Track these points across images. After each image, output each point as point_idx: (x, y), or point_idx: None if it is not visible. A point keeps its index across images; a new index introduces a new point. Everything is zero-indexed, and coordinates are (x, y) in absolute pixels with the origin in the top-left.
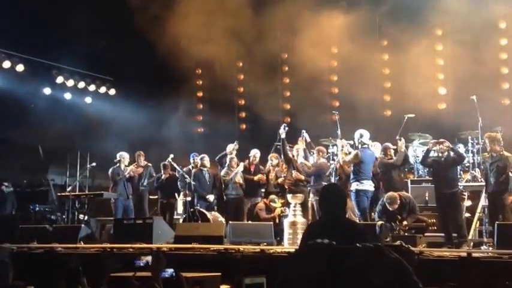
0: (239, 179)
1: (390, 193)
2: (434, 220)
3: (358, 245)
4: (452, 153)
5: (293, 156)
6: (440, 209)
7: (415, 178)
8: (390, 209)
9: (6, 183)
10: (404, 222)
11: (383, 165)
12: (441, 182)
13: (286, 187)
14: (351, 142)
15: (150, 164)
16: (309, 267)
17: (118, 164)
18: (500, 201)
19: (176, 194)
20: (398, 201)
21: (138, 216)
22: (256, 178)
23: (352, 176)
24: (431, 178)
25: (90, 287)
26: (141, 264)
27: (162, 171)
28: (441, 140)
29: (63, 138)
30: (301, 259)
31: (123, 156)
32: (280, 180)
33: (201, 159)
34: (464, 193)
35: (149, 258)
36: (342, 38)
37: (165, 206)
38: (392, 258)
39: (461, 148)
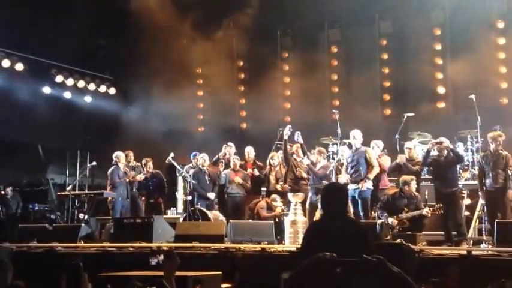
0: (238, 179)
1: (405, 176)
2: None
3: (363, 256)
4: (451, 154)
5: (292, 154)
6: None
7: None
8: (406, 189)
9: (10, 187)
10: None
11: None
12: (441, 181)
13: (288, 186)
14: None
15: (139, 164)
16: (315, 281)
17: (116, 165)
18: (500, 199)
19: (174, 193)
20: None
21: (138, 215)
22: (248, 172)
23: (354, 176)
24: (430, 177)
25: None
26: (153, 263)
27: (144, 170)
28: (440, 139)
29: (62, 138)
30: (307, 272)
31: (118, 155)
32: (278, 186)
33: (202, 157)
34: (464, 191)
35: (161, 257)
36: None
37: (151, 206)
38: (395, 272)
39: (460, 147)
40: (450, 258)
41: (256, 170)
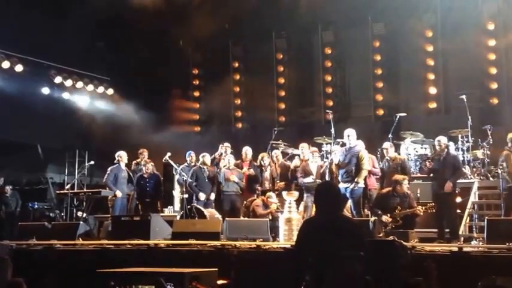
0: (234, 178)
1: (397, 175)
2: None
3: None
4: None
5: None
6: (436, 206)
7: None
8: (398, 188)
9: (10, 186)
10: (396, 211)
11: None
12: (438, 182)
13: (283, 184)
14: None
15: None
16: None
17: (118, 164)
18: None
19: (171, 191)
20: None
21: (136, 214)
22: (243, 171)
23: (345, 175)
24: (422, 175)
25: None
26: None
27: (144, 169)
28: (439, 139)
29: (61, 137)
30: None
31: (121, 155)
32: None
33: (202, 157)
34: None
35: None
36: None
37: (147, 205)
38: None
39: (451, 146)
40: (442, 255)
41: (252, 170)
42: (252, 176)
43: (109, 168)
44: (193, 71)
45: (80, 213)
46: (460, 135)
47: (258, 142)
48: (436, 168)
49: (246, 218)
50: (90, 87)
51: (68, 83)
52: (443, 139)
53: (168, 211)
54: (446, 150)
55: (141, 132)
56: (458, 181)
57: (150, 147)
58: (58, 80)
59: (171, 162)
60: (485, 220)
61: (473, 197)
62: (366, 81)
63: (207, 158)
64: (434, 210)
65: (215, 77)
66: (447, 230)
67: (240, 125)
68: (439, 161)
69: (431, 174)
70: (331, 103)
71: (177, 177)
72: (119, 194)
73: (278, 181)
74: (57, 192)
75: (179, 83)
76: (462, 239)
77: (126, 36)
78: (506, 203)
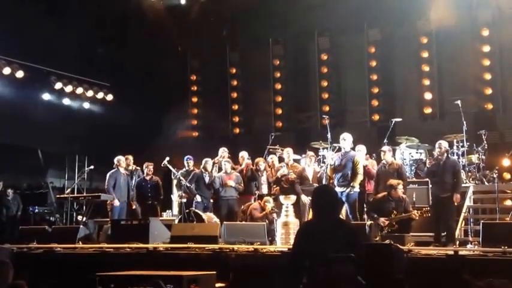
0: (231, 182)
1: (392, 180)
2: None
3: None
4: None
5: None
6: (434, 210)
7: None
8: (393, 192)
9: (12, 190)
10: (392, 216)
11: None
12: (438, 186)
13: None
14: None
15: (138, 168)
16: None
17: (116, 168)
18: None
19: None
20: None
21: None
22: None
23: (341, 179)
24: (418, 180)
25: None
26: None
27: (146, 171)
28: (440, 143)
29: (61, 142)
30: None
31: (120, 159)
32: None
33: (205, 162)
34: None
35: None
36: None
37: (147, 208)
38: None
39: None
40: (437, 258)
41: (249, 170)
42: (249, 176)
43: (108, 174)
44: (192, 77)
45: (79, 217)
46: (455, 140)
47: (255, 147)
48: (436, 171)
49: (244, 222)
50: (90, 92)
51: (68, 88)
52: (444, 143)
53: (166, 215)
54: (446, 154)
55: (140, 137)
56: None
57: (149, 152)
58: (58, 85)
59: (170, 167)
60: (481, 224)
61: (469, 201)
62: (361, 86)
63: (209, 163)
64: (429, 215)
65: (213, 83)
66: (443, 234)
67: (237, 131)
68: (439, 164)
69: (430, 178)
70: (327, 108)
71: (175, 181)
72: (116, 202)
73: (274, 186)
74: (57, 196)
75: (177, 88)
76: (458, 242)
77: (126, 43)
78: None
